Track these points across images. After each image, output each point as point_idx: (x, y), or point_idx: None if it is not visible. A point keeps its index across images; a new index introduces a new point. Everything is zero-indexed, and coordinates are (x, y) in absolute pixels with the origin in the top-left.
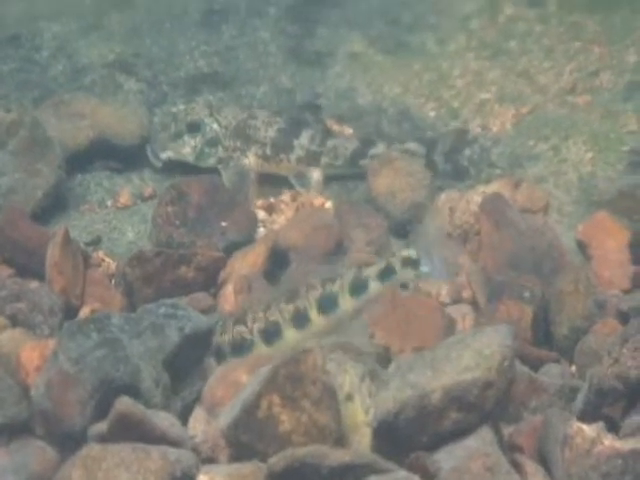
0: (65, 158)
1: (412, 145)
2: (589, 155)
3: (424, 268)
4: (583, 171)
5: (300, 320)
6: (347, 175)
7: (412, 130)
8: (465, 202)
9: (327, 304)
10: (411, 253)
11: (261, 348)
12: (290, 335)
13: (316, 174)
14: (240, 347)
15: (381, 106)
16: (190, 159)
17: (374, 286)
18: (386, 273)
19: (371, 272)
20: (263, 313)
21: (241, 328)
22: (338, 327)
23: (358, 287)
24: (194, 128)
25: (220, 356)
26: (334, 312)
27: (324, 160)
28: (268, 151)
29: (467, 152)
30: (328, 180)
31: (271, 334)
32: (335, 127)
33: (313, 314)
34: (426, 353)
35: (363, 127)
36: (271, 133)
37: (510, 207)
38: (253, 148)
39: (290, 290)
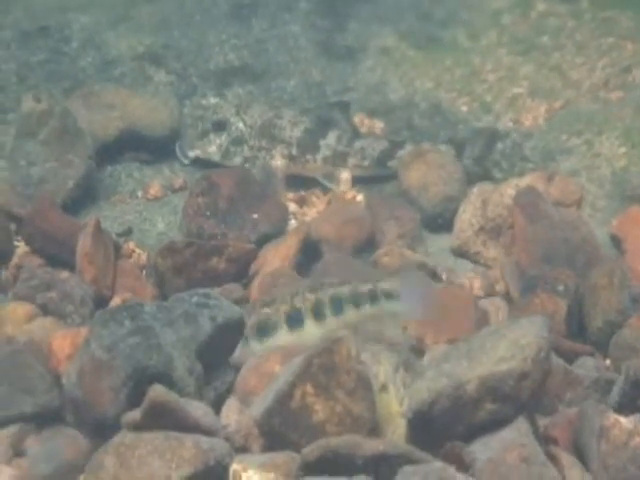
0: (95, 149)
1: (441, 147)
2: (622, 150)
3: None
4: (616, 166)
5: (318, 314)
6: (375, 176)
7: (443, 125)
8: (498, 195)
9: (337, 307)
10: (391, 286)
11: (283, 332)
12: (309, 325)
13: (345, 174)
14: (264, 328)
15: (412, 101)
16: (216, 158)
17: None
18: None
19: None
20: (290, 298)
21: (267, 310)
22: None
23: (372, 299)
24: (220, 127)
25: (243, 338)
26: (343, 315)
27: (351, 161)
28: (294, 151)
29: (499, 146)
30: (356, 181)
31: (294, 320)
32: (366, 122)
33: (328, 312)
34: (461, 344)
35: (394, 122)
36: (297, 133)
37: (544, 200)
38: (279, 148)
39: (315, 281)
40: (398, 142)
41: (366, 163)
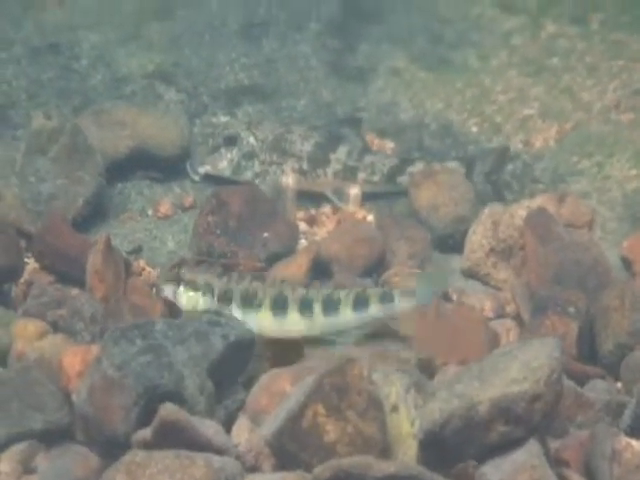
0: (105, 167)
1: (451, 164)
2: (633, 172)
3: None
4: (627, 188)
5: (305, 309)
6: (384, 192)
7: (454, 145)
8: (509, 216)
9: (330, 308)
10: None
11: (266, 314)
12: (293, 317)
13: (354, 190)
14: (249, 302)
15: (423, 121)
16: (227, 173)
17: (374, 307)
18: (386, 298)
19: (373, 292)
20: (279, 285)
21: (258, 284)
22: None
23: (360, 303)
24: (231, 142)
25: (225, 300)
26: (334, 316)
27: (361, 176)
28: (305, 165)
29: (510, 167)
30: (366, 197)
31: (279, 306)
32: (376, 142)
33: (317, 309)
34: (473, 365)
35: (405, 142)
36: (307, 147)
37: (555, 222)
38: (289, 162)
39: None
40: (408, 158)
41: (376, 178)
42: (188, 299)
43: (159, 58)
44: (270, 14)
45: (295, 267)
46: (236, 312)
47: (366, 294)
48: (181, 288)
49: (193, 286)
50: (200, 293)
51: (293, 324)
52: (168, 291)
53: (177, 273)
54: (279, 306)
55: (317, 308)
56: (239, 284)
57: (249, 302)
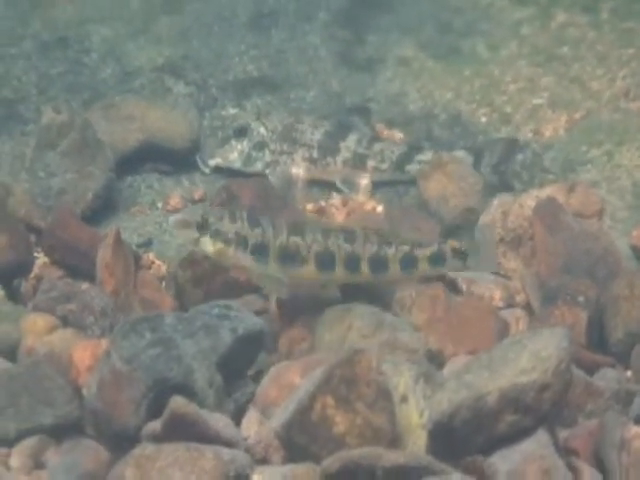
0: (115, 160)
1: (460, 153)
2: None
3: (470, 262)
4: (637, 176)
5: (351, 265)
6: (393, 181)
7: (463, 136)
8: (518, 206)
9: (378, 265)
10: (462, 245)
11: (310, 269)
12: (339, 273)
13: (364, 180)
14: (291, 258)
15: (432, 112)
16: (237, 165)
17: (422, 267)
18: (436, 259)
19: (423, 253)
20: (323, 239)
21: (297, 240)
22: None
23: (408, 262)
24: (241, 133)
25: (262, 255)
26: (382, 274)
27: (370, 163)
28: (315, 154)
29: (519, 157)
30: (375, 187)
31: (324, 263)
32: (385, 132)
33: (364, 266)
34: (482, 355)
35: (414, 132)
36: (317, 136)
37: (564, 211)
38: (300, 151)
39: (350, 232)
40: (417, 146)
41: (384, 166)
42: (218, 250)
43: (168, 51)
44: (279, 4)
45: None
46: (272, 268)
47: (415, 255)
48: (208, 238)
49: (222, 237)
50: (231, 245)
51: (338, 279)
52: (186, 238)
53: (202, 218)
54: (324, 263)
55: (364, 266)
56: (276, 238)
57: (290, 258)
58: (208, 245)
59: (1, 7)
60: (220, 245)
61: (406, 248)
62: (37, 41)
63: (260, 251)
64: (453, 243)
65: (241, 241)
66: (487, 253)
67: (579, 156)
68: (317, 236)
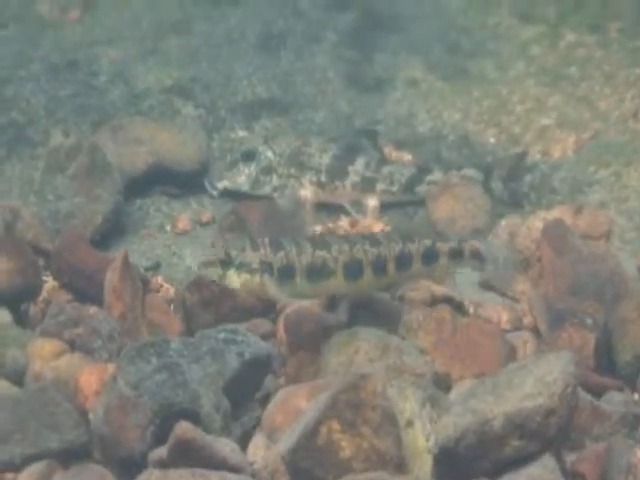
0: (124, 183)
1: (469, 172)
2: None
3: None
4: None
5: (378, 268)
6: (403, 202)
7: (472, 157)
8: (526, 228)
9: (403, 263)
10: (480, 246)
11: (339, 279)
12: (368, 277)
13: (373, 201)
14: (318, 272)
15: (441, 132)
16: (245, 188)
17: (443, 261)
18: (455, 254)
19: (443, 248)
20: (349, 248)
21: (323, 253)
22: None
23: (429, 256)
24: (249, 157)
25: (288, 277)
26: (406, 271)
27: (379, 186)
28: (323, 178)
29: (528, 178)
30: (384, 208)
31: (353, 270)
32: (394, 154)
33: (390, 267)
34: (487, 379)
35: (422, 154)
36: (325, 160)
37: (572, 233)
38: (308, 175)
39: (372, 237)
40: (426, 168)
41: (394, 188)
42: (244, 282)
43: (177, 73)
44: (287, 26)
45: None
46: (301, 286)
47: (436, 248)
48: (232, 272)
49: (246, 268)
50: (256, 274)
51: (367, 284)
52: (213, 275)
53: (225, 253)
54: (352, 272)
55: (391, 267)
56: (301, 255)
57: (317, 273)
58: (234, 279)
59: (10, 29)
60: (246, 276)
61: (428, 242)
62: (46, 63)
63: (286, 273)
64: (473, 243)
65: (266, 268)
66: (505, 269)
67: (587, 177)
68: (343, 246)
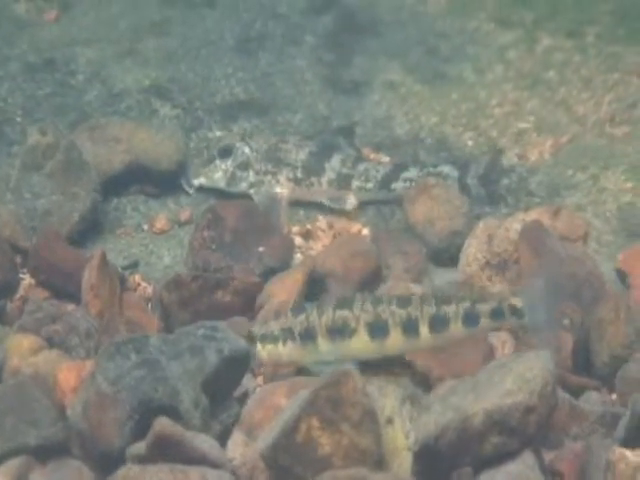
0: (101, 182)
1: (445, 168)
2: (628, 185)
3: (527, 319)
4: (622, 201)
5: (409, 328)
6: (380, 200)
7: (449, 159)
8: (504, 230)
9: (439, 324)
10: (518, 302)
11: (363, 339)
12: (396, 338)
13: (351, 197)
14: (340, 332)
15: (418, 135)
16: (222, 184)
17: (484, 322)
18: (497, 314)
19: (484, 309)
20: (372, 307)
21: (344, 313)
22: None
23: (470, 318)
24: (225, 153)
25: (309, 337)
26: (443, 333)
27: (355, 183)
28: (299, 174)
29: (505, 181)
30: (361, 205)
31: (378, 330)
32: (372, 156)
33: (424, 329)
34: (468, 377)
35: (400, 156)
36: (302, 156)
37: (550, 235)
38: (284, 171)
39: (400, 297)
40: (402, 165)
41: (370, 185)
42: (269, 352)
43: (155, 73)
44: (266, 28)
45: (291, 281)
46: (322, 346)
47: (477, 310)
48: (258, 346)
49: (268, 338)
50: (279, 341)
51: (394, 346)
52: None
53: (247, 330)
54: (377, 331)
55: (424, 329)
56: (322, 316)
57: (338, 332)
58: (261, 353)
59: None
60: (269, 347)
61: (467, 305)
62: (23, 62)
63: (307, 335)
64: (513, 300)
65: (287, 334)
66: (548, 328)
67: (565, 180)
68: (366, 305)
